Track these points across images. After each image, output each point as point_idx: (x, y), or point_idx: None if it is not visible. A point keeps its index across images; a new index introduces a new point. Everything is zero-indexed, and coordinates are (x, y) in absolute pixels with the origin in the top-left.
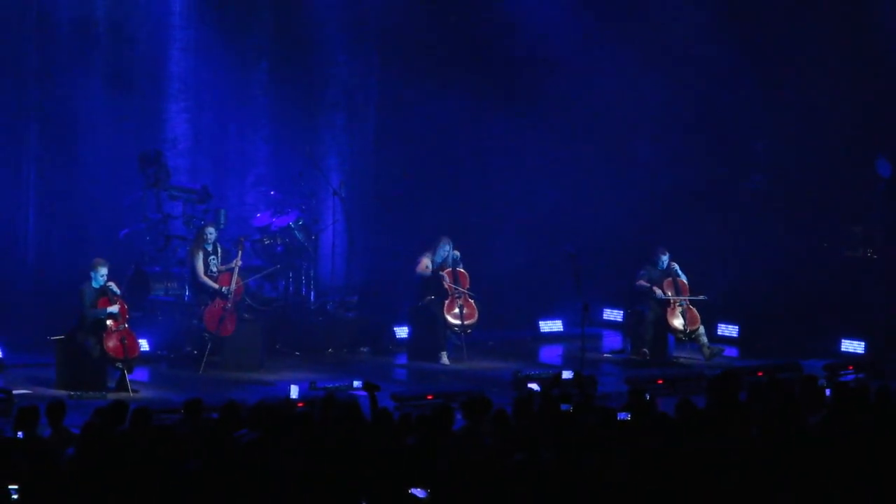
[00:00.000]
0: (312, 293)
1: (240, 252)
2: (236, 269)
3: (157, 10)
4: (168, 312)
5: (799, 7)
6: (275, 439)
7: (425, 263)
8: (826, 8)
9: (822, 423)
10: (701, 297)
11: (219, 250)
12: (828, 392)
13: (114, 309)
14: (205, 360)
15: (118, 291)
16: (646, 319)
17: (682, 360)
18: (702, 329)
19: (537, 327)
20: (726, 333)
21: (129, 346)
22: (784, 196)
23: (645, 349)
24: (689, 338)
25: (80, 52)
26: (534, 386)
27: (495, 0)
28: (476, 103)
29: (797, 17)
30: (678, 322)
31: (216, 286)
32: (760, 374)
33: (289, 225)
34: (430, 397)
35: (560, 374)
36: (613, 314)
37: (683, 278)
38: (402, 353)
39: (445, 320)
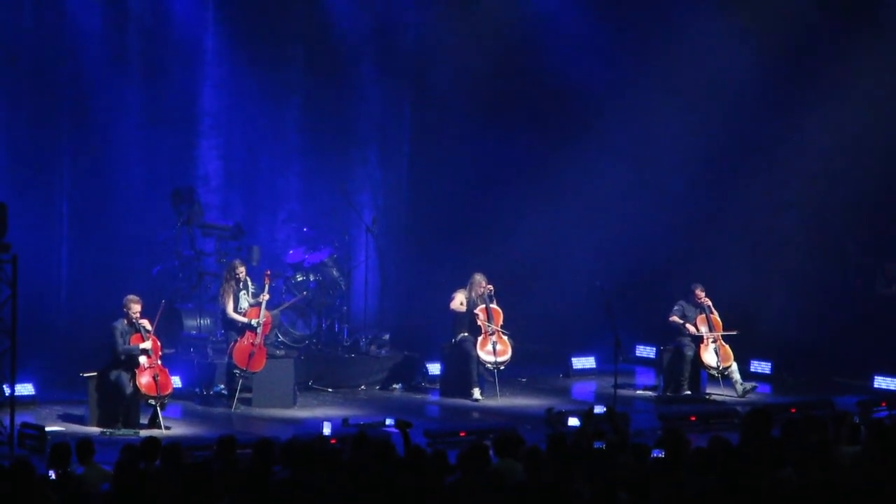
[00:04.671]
0: (345, 330)
1: (266, 285)
2: (264, 303)
3: (189, 47)
4: (201, 349)
5: (834, 42)
6: (307, 476)
7: (460, 300)
8: (862, 43)
9: (855, 460)
10: (732, 332)
11: (250, 286)
12: (861, 429)
13: (146, 345)
14: (237, 396)
15: (150, 328)
16: (684, 357)
17: (715, 396)
18: (734, 366)
19: (570, 364)
20: (759, 370)
21: (161, 382)
22: (817, 233)
23: (686, 391)
24: (721, 375)
25: (113, 88)
26: (575, 421)
27: (529, 34)
28: (510, 138)
29: (832, 52)
30: (711, 359)
31: (245, 320)
32: (793, 410)
33: (322, 261)
34: (462, 434)
35: (592, 408)
36: (646, 351)
37: (716, 315)
38: (435, 390)
39: (479, 357)
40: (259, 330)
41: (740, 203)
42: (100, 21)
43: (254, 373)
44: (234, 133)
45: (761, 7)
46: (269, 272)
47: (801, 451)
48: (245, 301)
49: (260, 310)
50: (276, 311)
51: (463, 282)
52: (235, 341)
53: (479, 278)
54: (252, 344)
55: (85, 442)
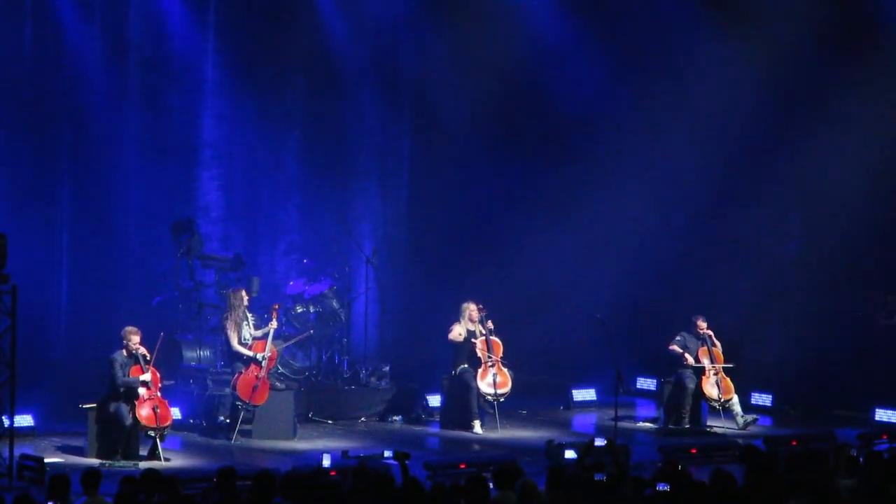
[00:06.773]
0: (345, 361)
1: (274, 318)
2: (271, 335)
3: (189, 77)
4: (200, 380)
5: (834, 76)
6: None
7: (458, 331)
8: (866, 74)
9: (855, 492)
10: (730, 365)
11: (250, 317)
12: (860, 461)
13: (146, 377)
14: (237, 428)
15: (149, 358)
16: (686, 389)
17: (716, 428)
18: (735, 399)
19: (570, 396)
20: (760, 402)
21: (161, 414)
22: (818, 264)
23: (687, 424)
24: (723, 407)
25: (113, 119)
26: (572, 454)
27: (530, 63)
28: (510, 168)
29: (836, 84)
30: (713, 391)
31: (251, 353)
32: (794, 443)
33: (322, 293)
34: (462, 466)
35: (592, 441)
36: (647, 383)
37: (718, 347)
38: (435, 422)
39: (478, 389)
40: (264, 364)
41: (742, 235)
42: (100, 52)
43: (256, 405)
44: (234, 164)
45: (768, 37)
46: (277, 306)
47: (802, 483)
48: (247, 332)
49: (266, 343)
50: (280, 346)
51: (458, 315)
52: (240, 373)
53: (467, 306)
54: (256, 377)
55: (92, 472)
